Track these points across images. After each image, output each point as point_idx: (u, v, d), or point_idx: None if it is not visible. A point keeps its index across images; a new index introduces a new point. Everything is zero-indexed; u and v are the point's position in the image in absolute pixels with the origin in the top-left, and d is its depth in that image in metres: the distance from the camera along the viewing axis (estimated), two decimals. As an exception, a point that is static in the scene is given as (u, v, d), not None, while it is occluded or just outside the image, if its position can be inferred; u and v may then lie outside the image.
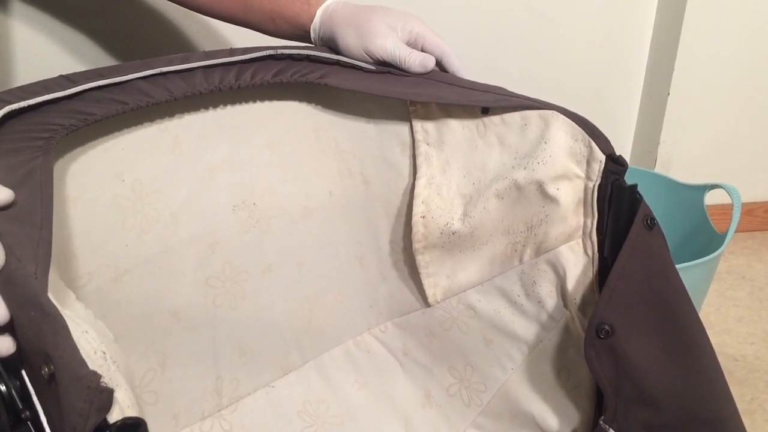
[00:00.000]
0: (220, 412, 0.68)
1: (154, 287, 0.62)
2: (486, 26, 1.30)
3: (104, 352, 0.36)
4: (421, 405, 0.73)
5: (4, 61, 1.05)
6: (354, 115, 0.69)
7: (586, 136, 0.58)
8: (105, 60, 1.11)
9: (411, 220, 0.69)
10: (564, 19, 1.33)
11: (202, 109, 0.64)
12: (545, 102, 0.61)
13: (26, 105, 0.51)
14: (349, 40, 0.66)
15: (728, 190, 0.98)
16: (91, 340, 0.35)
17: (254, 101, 0.66)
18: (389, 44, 0.65)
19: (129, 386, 0.36)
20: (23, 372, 0.38)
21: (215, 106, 0.64)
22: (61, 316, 0.34)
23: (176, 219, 0.63)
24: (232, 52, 0.65)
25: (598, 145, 0.57)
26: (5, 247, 0.37)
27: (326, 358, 0.75)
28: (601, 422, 0.57)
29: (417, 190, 0.66)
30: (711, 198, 1.06)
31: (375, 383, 0.74)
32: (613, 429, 0.57)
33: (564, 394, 0.64)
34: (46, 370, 0.32)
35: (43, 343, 0.33)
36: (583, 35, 1.36)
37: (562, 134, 0.59)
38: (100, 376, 0.32)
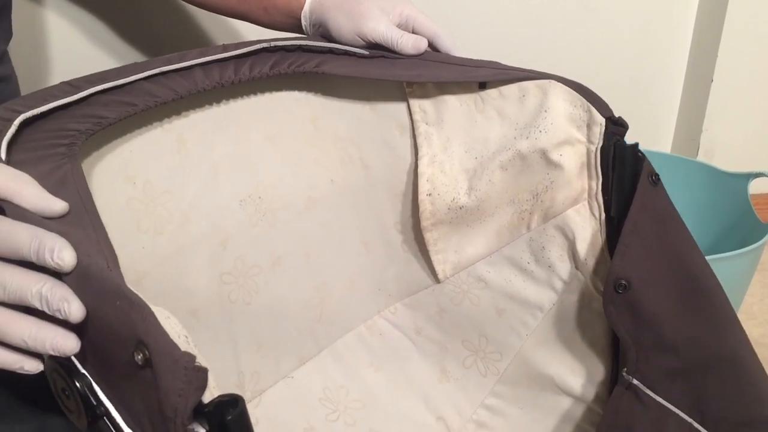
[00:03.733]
0: (244, 406, 0.69)
1: (173, 287, 0.62)
2: (524, 14, 1.29)
3: (186, 336, 0.36)
4: (438, 380, 0.75)
5: (39, 54, 1.06)
6: (350, 101, 0.70)
7: (585, 101, 0.60)
8: (128, 51, 1.12)
9: (414, 200, 0.70)
10: (604, 5, 1.31)
11: (203, 107, 0.64)
12: (541, 72, 0.63)
13: (39, 112, 0.51)
14: (342, 24, 0.67)
15: (773, 179, 0.98)
16: (174, 325, 0.36)
17: (251, 95, 0.67)
18: (381, 27, 0.66)
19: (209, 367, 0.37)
20: (84, 370, 0.38)
21: (215, 102, 0.65)
22: (146, 303, 0.34)
23: (187, 218, 0.63)
24: (226, 47, 0.65)
25: (597, 109, 0.59)
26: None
27: (340, 345, 0.75)
28: (624, 374, 0.60)
29: (421, 169, 0.68)
30: (755, 187, 1.05)
31: (390, 364, 0.76)
32: (636, 379, 0.59)
33: (580, 353, 0.67)
34: (141, 356, 0.33)
35: (134, 330, 0.33)
36: (623, 22, 1.33)
37: (561, 101, 0.61)
38: (194, 357, 0.33)
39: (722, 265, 0.83)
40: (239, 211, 0.67)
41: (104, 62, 1.11)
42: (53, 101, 0.53)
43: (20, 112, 0.51)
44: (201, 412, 0.32)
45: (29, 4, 1.04)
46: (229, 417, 0.32)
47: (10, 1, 0.77)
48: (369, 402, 0.73)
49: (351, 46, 0.68)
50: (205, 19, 1.14)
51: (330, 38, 0.69)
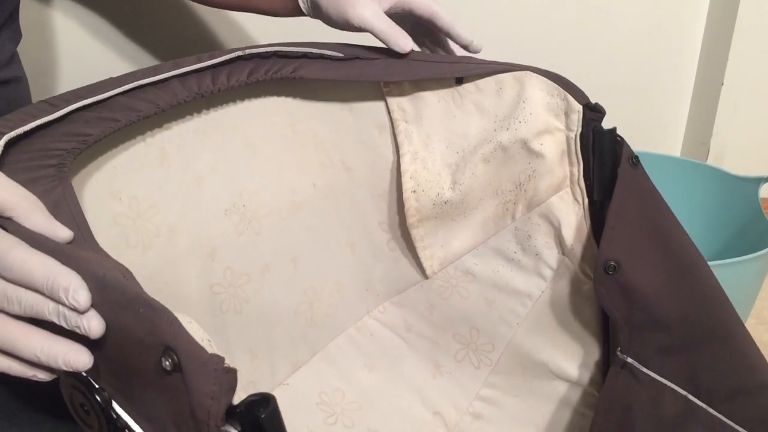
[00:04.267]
0: (241, 417, 0.68)
1: (164, 301, 0.61)
2: (530, 15, 1.27)
3: (209, 340, 0.36)
4: (432, 376, 0.75)
5: (49, 55, 1.07)
6: (328, 104, 0.70)
7: (561, 89, 0.61)
8: (137, 52, 1.12)
9: (398, 198, 0.71)
10: (613, 7, 1.29)
11: (183, 118, 0.63)
12: (517, 64, 0.64)
13: (22, 132, 0.50)
14: (330, 7, 0.66)
15: (784, 183, 0.97)
16: (196, 330, 0.36)
17: (230, 104, 0.67)
18: (367, 13, 0.64)
19: None
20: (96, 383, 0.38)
21: (194, 113, 0.64)
22: (169, 309, 0.34)
23: (174, 231, 0.63)
24: (200, 58, 0.64)
25: (573, 97, 0.61)
26: (83, 261, 0.37)
27: (332, 348, 0.75)
28: (618, 353, 0.61)
29: (403, 167, 0.68)
30: (766, 191, 1.05)
31: (383, 364, 0.76)
32: (630, 357, 0.61)
33: (572, 337, 0.68)
34: (169, 361, 0.33)
35: (161, 336, 0.33)
36: (633, 24, 1.31)
37: (538, 92, 0.62)
38: (223, 358, 0.33)
39: (732, 270, 0.83)
40: (225, 220, 0.67)
41: (113, 63, 1.11)
42: (33, 120, 0.52)
43: (3, 133, 0.50)
44: (233, 413, 0.32)
45: (39, 5, 1.03)
46: (263, 415, 0.32)
47: (18, 2, 0.75)
48: (365, 402, 0.73)
49: (343, 27, 0.68)
50: (215, 21, 1.14)
51: (323, 19, 0.69)
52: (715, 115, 1.34)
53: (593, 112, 0.61)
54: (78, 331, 0.35)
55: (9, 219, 0.40)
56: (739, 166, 1.25)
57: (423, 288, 0.75)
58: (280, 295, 0.71)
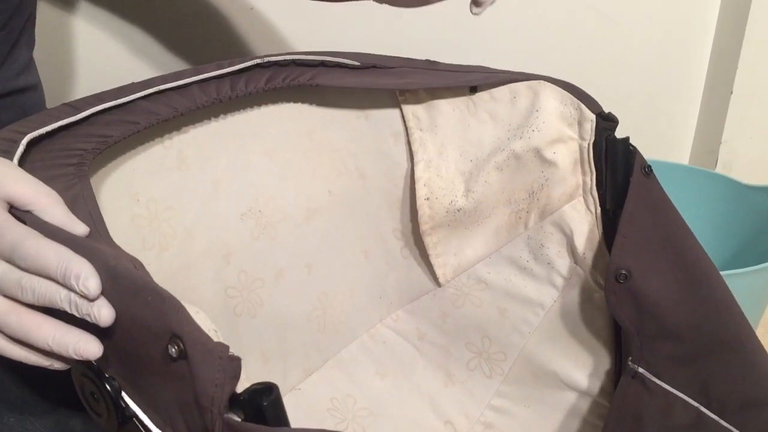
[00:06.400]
0: (253, 420, 0.69)
1: (180, 302, 0.63)
2: (539, 24, 1.26)
3: (216, 330, 0.37)
4: (444, 384, 0.76)
5: (69, 62, 1.08)
6: (345, 112, 0.71)
7: (575, 99, 0.62)
8: (167, 59, 1.13)
9: (412, 206, 0.72)
10: (623, 15, 1.28)
11: (201, 123, 0.65)
12: (530, 73, 0.64)
13: (44, 132, 0.52)
14: None
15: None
16: (204, 320, 0.37)
17: (248, 110, 0.68)
18: None
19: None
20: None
21: (213, 118, 0.65)
22: (176, 298, 0.35)
23: (190, 234, 0.64)
24: (220, 65, 0.66)
25: (587, 106, 0.61)
26: (96, 251, 0.38)
27: (345, 354, 0.76)
28: (629, 363, 0.61)
29: (417, 174, 0.69)
30: None
31: (395, 371, 0.76)
32: (641, 367, 0.60)
33: (584, 347, 0.68)
34: (175, 348, 0.33)
35: (168, 323, 0.34)
36: (642, 32, 1.31)
37: (552, 101, 0.63)
38: (227, 347, 0.33)
39: (742, 281, 0.83)
40: (240, 225, 0.68)
41: (131, 68, 1.12)
42: (56, 122, 0.54)
43: (25, 133, 0.51)
44: (236, 401, 0.33)
45: (56, 11, 1.05)
46: (265, 403, 0.33)
47: (35, 10, 0.77)
48: (376, 410, 0.74)
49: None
50: (237, 27, 1.15)
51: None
52: (724, 123, 1.34)
53: (606, 122, 0.61)
54: (88, 319, 0.36)
55: (29, 212, 0.41)
56: (748, 175, 1.25)
57: (436, 296, 0.75)
58: (294, 301, 0.72)
